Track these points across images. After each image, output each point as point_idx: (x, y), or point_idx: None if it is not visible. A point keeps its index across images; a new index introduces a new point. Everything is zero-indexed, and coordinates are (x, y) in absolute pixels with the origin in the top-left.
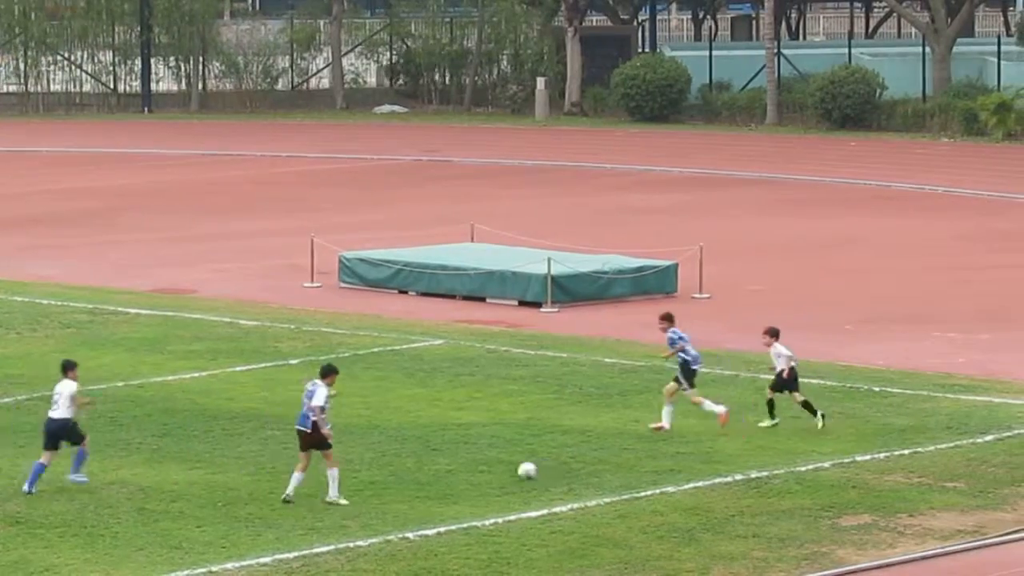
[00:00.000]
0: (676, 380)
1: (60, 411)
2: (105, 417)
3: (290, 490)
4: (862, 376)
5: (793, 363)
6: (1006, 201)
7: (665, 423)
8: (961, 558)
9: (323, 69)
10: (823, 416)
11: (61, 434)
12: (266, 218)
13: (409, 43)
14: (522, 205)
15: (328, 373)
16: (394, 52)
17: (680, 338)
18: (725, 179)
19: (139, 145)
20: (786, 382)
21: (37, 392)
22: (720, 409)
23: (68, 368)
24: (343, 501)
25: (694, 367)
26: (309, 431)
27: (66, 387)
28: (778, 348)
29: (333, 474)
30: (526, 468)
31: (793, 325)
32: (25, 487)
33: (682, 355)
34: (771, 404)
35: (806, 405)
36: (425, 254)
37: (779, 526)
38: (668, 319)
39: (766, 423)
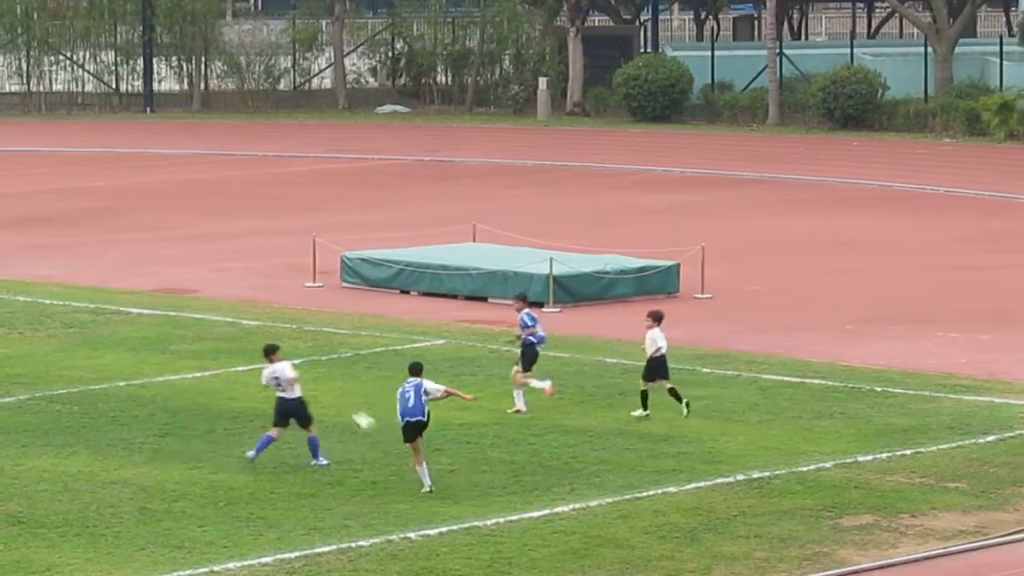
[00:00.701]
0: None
1: (294, 391)
2: (107, 416)
3: (426, 481)
4: (864, 376)
5: (663, 351)
6: (1008, 201)
7: (520, 406)
8: (963, 559)
9: (325, 69)
10: (687, 405)
11: (294, 413)
12: (268, 218)
13: (411, 43)
14: (524, 205)
15: (420, 369)
16: (393, 52)
17: (533, 321)
18: (727, 179)
19: (141, 145)
20: (656, 370)
21: (39, 392)
22: (545, 384)
23: (272, 351)
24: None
25: (538, 347)
26: (426, 420)
27: (285, 370)
28: (655, 334)
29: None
30: (363, 421)
31: (795, 325)
32: (251, 453)
33: (531, 337)
34: (645, 395)
35: (673, 392)
36: (427, 254)
37: (781, 526)
38: (522, 299)
39: (638, 412)
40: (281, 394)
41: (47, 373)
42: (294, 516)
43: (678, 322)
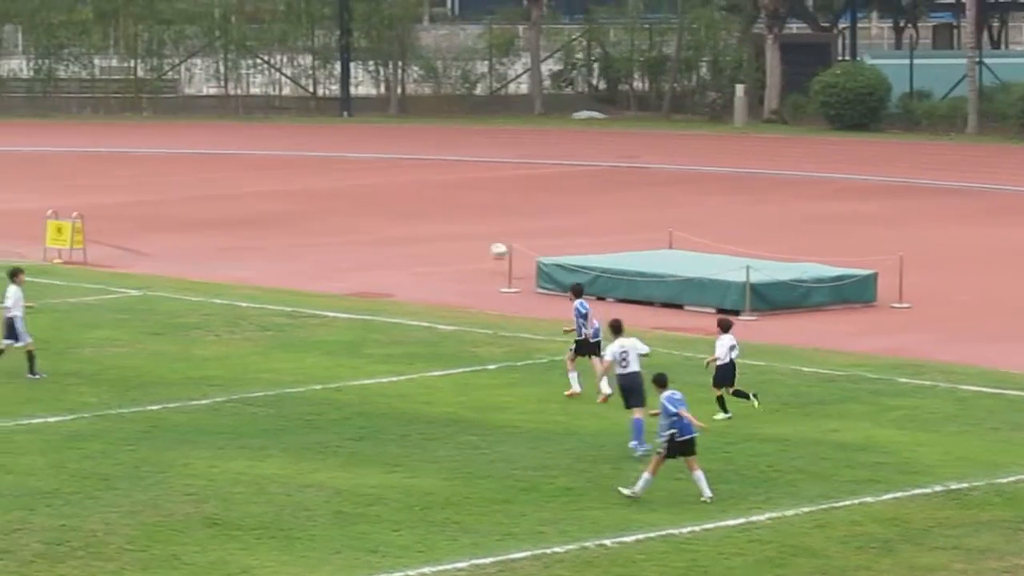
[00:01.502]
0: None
1: (633, 365)
2: (302, 419)
3: (639, 490)
4: None
5: (734, 355)
6: None
7: (576, 388)
8: None
9: (522, 75)
10: (756, 398)
11: (636, 388)
12: (463, 222)
13: (608, 49)
14: (720, 212)
15: (666, 381)
16: (590, 58)
17: (586, 312)
18: (925, 188)
19: (337, 149)
20: (724, 376)
21: (235, 394)
22: (605, 390)
23: (619, 327)
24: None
25: (593, 340)
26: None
27: (637, 345)
28: (724, 340)
29: (700, 476)
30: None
31: (994, 335)
32: (634, 444)
33: (584, 330)
34: (732, 396)
35: (738, 393)
36: (622, 260)
37: (979, 538)
38: (575, 290)
39: (720, 416)
40: (620, 370)
41: (243, 375)
42: (489, 521)
43: (875, 331)
